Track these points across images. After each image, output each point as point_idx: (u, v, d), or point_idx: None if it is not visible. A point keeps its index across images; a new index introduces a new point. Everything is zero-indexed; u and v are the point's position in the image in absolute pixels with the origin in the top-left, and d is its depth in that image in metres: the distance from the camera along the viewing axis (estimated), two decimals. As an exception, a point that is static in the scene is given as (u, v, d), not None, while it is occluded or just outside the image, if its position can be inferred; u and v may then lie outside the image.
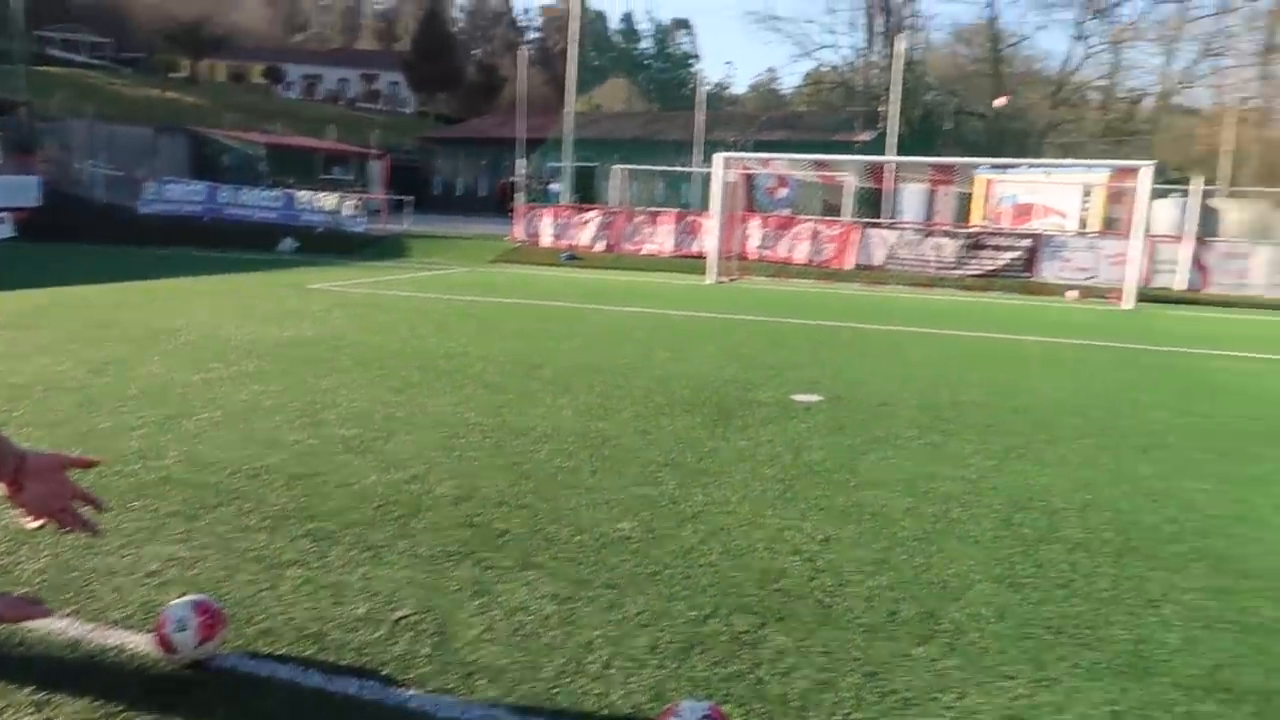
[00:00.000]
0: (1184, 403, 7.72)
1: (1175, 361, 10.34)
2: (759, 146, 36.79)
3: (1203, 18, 43.41)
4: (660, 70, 66.73)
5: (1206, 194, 26.51)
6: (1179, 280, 19.23)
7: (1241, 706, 2.78)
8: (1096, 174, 24.21)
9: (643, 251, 23.04)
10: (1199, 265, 19.32)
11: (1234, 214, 26.82)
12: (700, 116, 34.66)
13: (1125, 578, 3.75)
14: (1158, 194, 25.05)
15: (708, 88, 42.16)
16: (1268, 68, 39.90)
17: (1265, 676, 2.97)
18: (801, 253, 21.70)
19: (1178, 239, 19.96)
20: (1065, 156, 35.42)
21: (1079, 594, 3.57)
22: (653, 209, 25.15)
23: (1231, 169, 33.28)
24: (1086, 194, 24.30)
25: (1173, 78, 44.73)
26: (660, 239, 23.18)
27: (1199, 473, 5.46)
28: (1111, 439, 6.25)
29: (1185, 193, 23.72)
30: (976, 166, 25.57)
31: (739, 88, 67.02)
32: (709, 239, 19.76)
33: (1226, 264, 19.25)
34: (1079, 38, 48.34)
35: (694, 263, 20.56)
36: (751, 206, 24.99)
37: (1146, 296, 17.62)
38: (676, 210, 24.94)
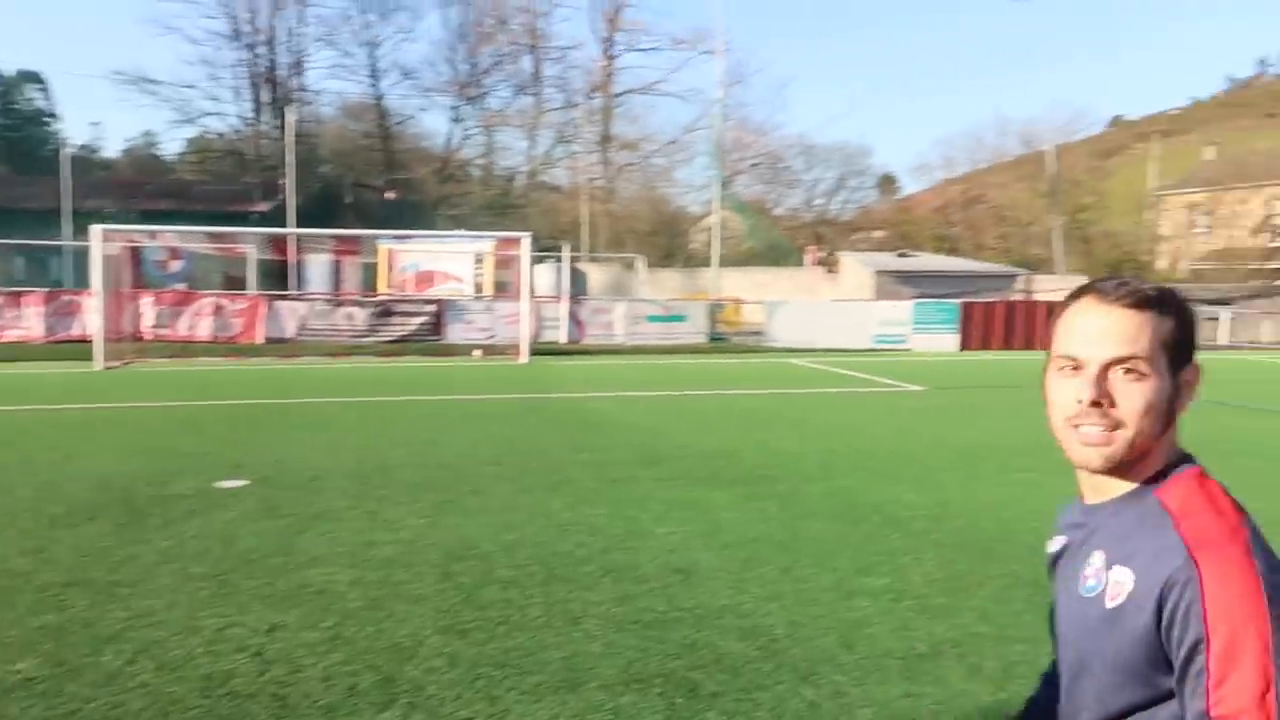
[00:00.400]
0: (578, 440, 8.88)
1: (568, 406, 11.82)
2: (144, 217, 33.63)
3: (554, 109, 50.65)
4: (7, 128, 57.33)
5: (574, 259, 30.79)
6: (561, 334, 21.99)
7: (649, 692, 3.32)
8: (485, 243, 26.59)
9: (4, 339, 19.53)
10: (575, 320, 22.32)
11: (596, 276, 31.41)
12: (66, 183, 30.57)
13: (553, 603, 4.22)
14: (537, 260, 28.50)
15: (71, 150, 37.36)
16: (606, 154, 47.91)
17: (663, 661, 3.58)
18: (205, 329, 20.28)
19: (557, 299, 22.85)
20: (456, 227, 38.36)
21: (517, 626, 3.93)
22: (14, 289, 21.44)
23: (589, 238, 39.16)
24: (479, 261, 26.57)
25: (536, 159, 51.27)
26: (28, 323, 19.87)
27: (597, 499, 6.35)
28: (524, 481, 6.94)
29: (559, 258, 27.26)
30: (378, 237, 26.43)
31: (110, 152, 60.18)
32: (93, 320, 17.47)
33: (596, 318, 22.53)
34: (456, 120, 52.84)
35: (76, 348, 18.00)
36: (142, 282, 22.71)
37: (538, 350, 19.82)
38: (46, 290, 21.58)
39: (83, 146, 57.20)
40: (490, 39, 51.75)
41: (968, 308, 23.48)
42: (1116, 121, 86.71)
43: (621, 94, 49.69)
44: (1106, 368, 1.19)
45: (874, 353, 22.03)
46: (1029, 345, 23.35)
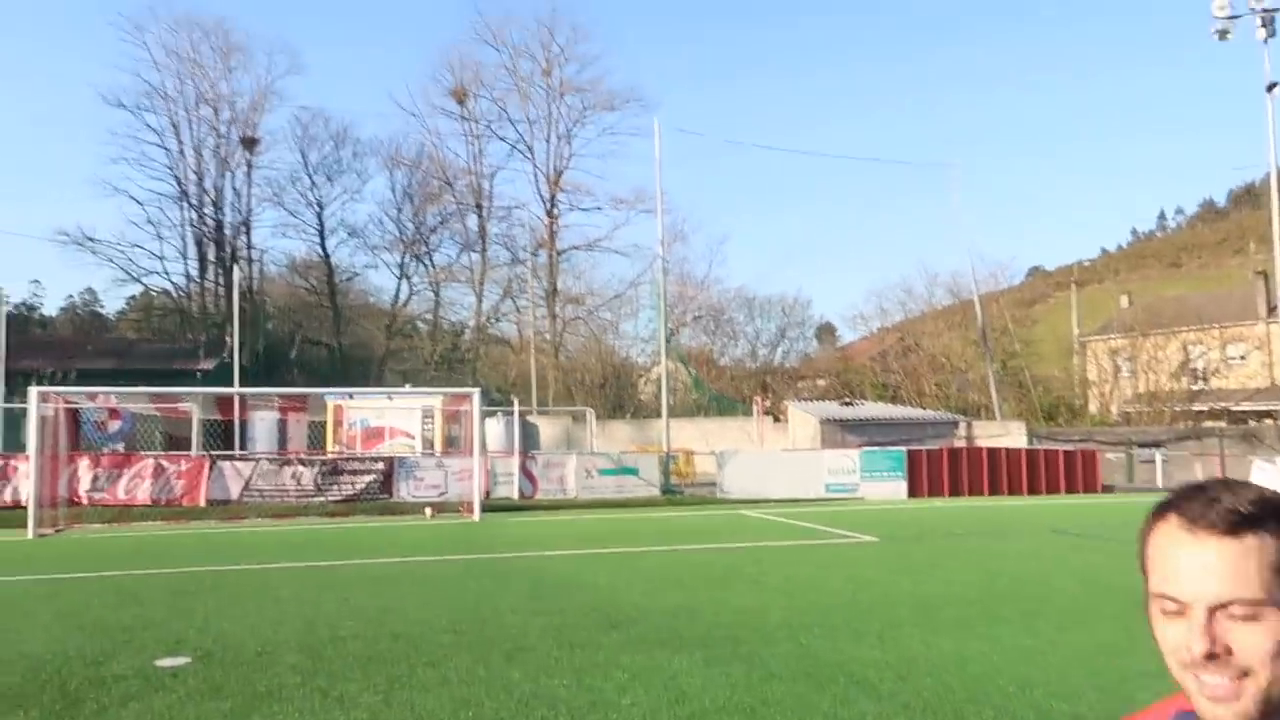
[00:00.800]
0: (536, 602, 8.67)
1: (523, 565, 11.58)
2: (83, 377, 33.03)
3: (500, 265, 51.84)
4: (-59, 286, 56.79)
5: (524, 413, 30.79)
6: (514, 490, 21.75)
7: None
8: (434, 399, 26.54)
9: (-72, 507, 18.68)
10: (527, 474, 22.14)
11: (547, 429, 31.34)
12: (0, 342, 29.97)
13: (519, 787, 4.04)
14: (487, 414, 28.46)
15: (8, 308, 36.90)
16: (553, 308, 48.74)
17: None
18: (145, 491, 19.65)
19: (508, 453, 22.71)
20: (405, 383, 38.27)
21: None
22: (-58, 454, 20.67)
23: (538, 391, 39.32)
24: (428, 416, 26.43)
25: (484, 314, 51.92)
26: (-46, 489, 19.05)
27: (557, 668, 6.16)
28: (482, 649, 6.73)
29: (509, 412, 27.24)
30: (325, 394, 26.27)
31: (50, 309, 59.51)
32: (26, 484, 16.85)
33: (548, 472, 22.37)
34: (403, 277, 53.64)
35: (8, 514, 17.28)
36: (78, 444, 22.10)
37: (491, 506, 19.52)
38: (-23, 454, 20.86)
39: (21, 305, 56.68)
40: (436, 199, 53.31)
41: (914, 455, 23.85)
42: (1035, 272, 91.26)
43: (566, 250, 51.08)
44: (1213, 612, 1.00)
45: (826, 502, 22.12)
46: (975, 491, 23.67)
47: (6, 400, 26.55)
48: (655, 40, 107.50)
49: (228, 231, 51.65)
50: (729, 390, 43.24)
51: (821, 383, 46.38)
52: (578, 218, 52.25)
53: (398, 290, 54.08)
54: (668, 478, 23.72)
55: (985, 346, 37.50)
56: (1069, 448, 26.54)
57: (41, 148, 78.97)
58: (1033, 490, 24.09)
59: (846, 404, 33.95)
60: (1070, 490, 24.32)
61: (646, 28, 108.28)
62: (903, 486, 23.39)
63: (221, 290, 49.80)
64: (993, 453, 24.87)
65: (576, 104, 51.34)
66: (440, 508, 19.62)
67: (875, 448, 24.65)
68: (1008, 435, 31.03)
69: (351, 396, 27.08)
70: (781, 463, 23.91)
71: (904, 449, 24.23)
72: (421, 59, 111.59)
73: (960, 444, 28.76)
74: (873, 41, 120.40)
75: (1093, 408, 42.67)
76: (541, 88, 51.78)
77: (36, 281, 58.52)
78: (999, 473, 24.22)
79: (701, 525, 16.70)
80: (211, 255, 51.25)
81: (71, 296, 61.80)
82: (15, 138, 73.00)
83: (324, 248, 52.90)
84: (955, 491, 23.59)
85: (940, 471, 23.78)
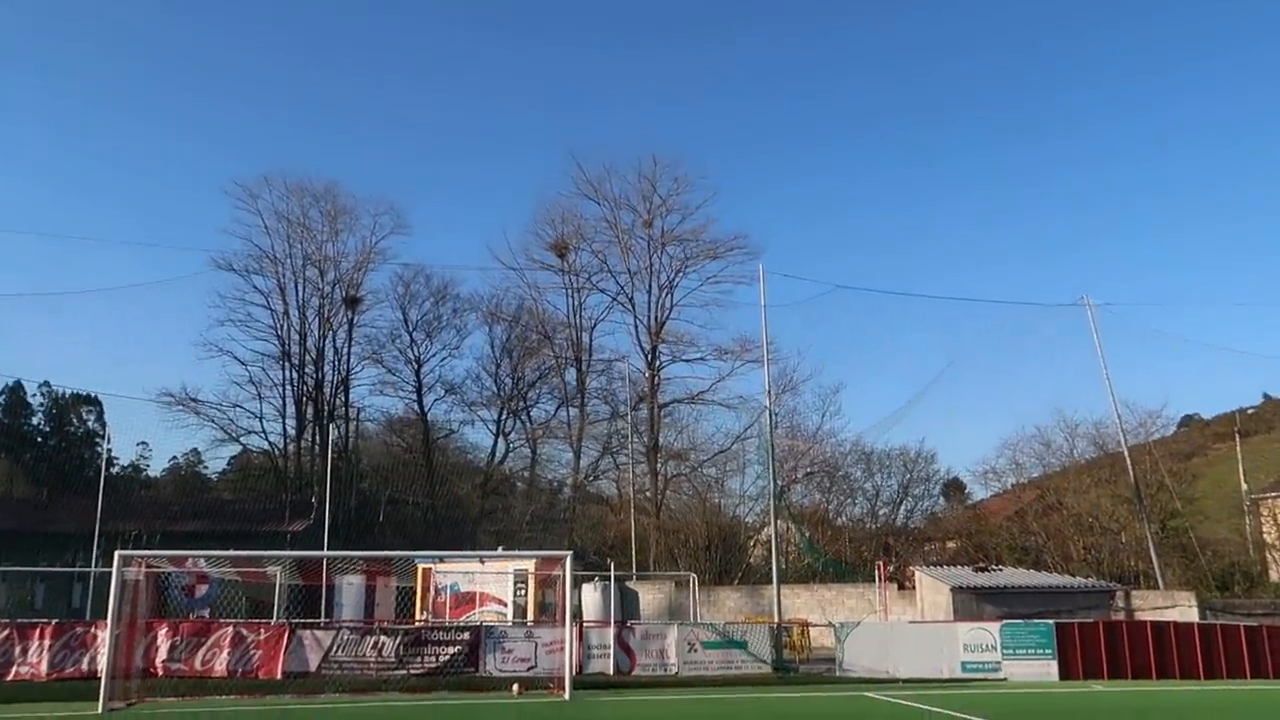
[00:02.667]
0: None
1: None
2: (173, 539, 34.00)
3: (599, 421, 52.10)
4: (56, 449, 60.12)
5: (623, 578, 30.07)
6: (609, 664, 20.86)
7: None
8: (527, 562, 26.16)
9: (9, 677, 18.99)
10: (624, 647, 21.26)
11: (647, 596, 30.43)
12: (100, 503, 31.27)
13: None
14: (583, 579, 27.86)
15: (116, 469, 38.74)
16: (655, 465, 48.38)
17: None
18: (222, 662, 19.59)
19: (604, 624, 21.93)
20: (499, 544, 38.12)
21: None
22: (28, 620, 21.14)
23: (638, 553, 38.57)
24: (520, 582, 25.98)
25: (582, 471, 51.88)
26: (34, 658, 19.38)
27: None
28: None
29: (606, 577, 26.59)
30: (413, 557, 26.17)
31: (155, 469, 62.43)
32: (103, 654, 16.95)
33: (647, 645, 21.46)
34: (500, 434, 54.40)
35: (81, 685, 17.35)
36: (162, 610, 22.39)
37: (583, 683, 18.68)
38: (57, 621, 21.19)
39: (129, 466, 59.61)
40: (535, 353, 54.44)
41: (1065, 629, 22.09)
42: (1190, 421, 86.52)
43: (668, 404, 50.93)
44: None
45: (963, 683, 20.51)
46: (1140, 672, 21.62)
47: (100, 565, 27.33)
48: (761, 184, 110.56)
49: (326, 390, 53.70)
50: (847, 554, 41.52)
51: (951, 545, 44.16)
52: (680, 370, 52.50)
53: (494, 447, 54.81)
54: (780, 652, 22.49)
55: (1140, 505, 35.22)
56: (1251, 623, 24.17)
57: (154, 312, 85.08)
58: (1210, 673, 21.85)
59: (981, 569, 32.06)
60: (1258, 674, 21.97)
61: (752, 173, 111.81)
62: (1053, 666, 21.57)
63: (318, 449, 51.35)
64: (1159, 628, 22.78)
65: (678, 253, 52.28)
66: (528, 684, 18.88)
67: (1018, 620, 22.93)
68: (1175, 607, 28.62)
69: (441, 559, 26.92)
70: (909, 636, 22.42)
71: (1052, 622, 22.47)
72: (522, 213, 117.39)
73: (1118, 616, 26.59)
74: (997, 171, 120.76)
75: (1274, 575, 39.21)
76: (643, 239, 53.06)
77: (143, 444, 61.61)
78: (1168, 651, 22.11)
79: (820, 710, 15.50)
80: (310, 414, 53.18)
81: (176, 458, 64.68)
82: (132, 303, 78.78)
83: (421, 405, 54.31)
84: (1116, 673, 21.60)
85: (1097, 649, 21.89)
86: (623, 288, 52.53)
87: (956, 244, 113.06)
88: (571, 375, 53.52)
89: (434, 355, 54.96)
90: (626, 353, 51.67)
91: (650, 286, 51.98)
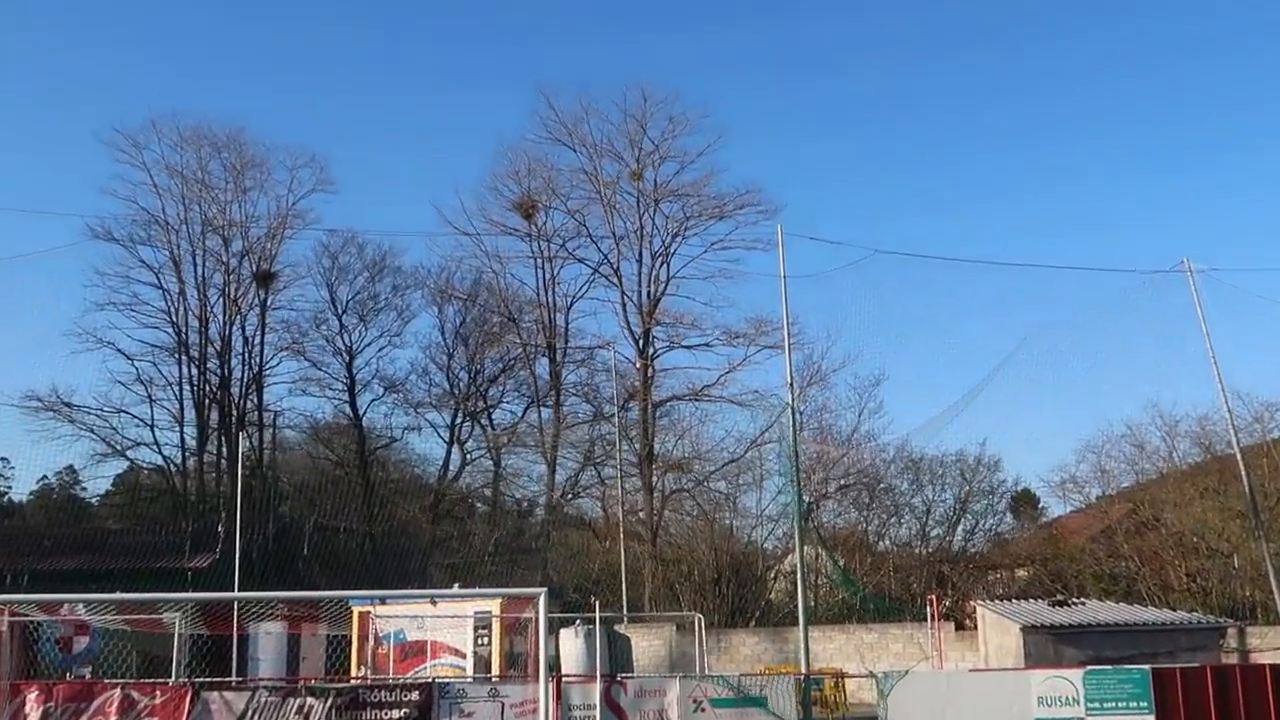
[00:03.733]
0: None
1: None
2: (45, 580, 33.92)
3: (579, 424, 52.01)
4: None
5: (611, 620, 30.06)
6: (595, 729, 20.87)
7: None
8: (491, 602, 26.11)
9: None
10: (613, 707, 21.24)
11: (642, 642, 30.54)
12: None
13: None
14: (560, 622, 27.86)
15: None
16: (650, 479, 48.37)
17: None
18: (107, 734, 19.53)
19: (589, 678, 21.95)
20: (454, 581, 38.12)
21: None
22: None
23: (630, 590, 38.62)
24: (483, 627, 25.97)
25: (558, 488, 51.93)
26: None
27: None
28: None
29: (590, 620, 26.62)
30: (349, 599, 26.16)
31: (19, 493, 61.64)
32: (-45, 726, 16.90)
33: (642, 703, 21.44)
34: (454, 442, 54.41)
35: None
36: (31, 670, 22.34)
37: (562, 754, 18.69)
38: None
39: (-12, 488, 59.20)
40: (496, 341, 54.37)
41: (1164, 676, 22.12)
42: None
43: (665, 402, 51.05)
44: None
45: (1037, 745, 20.60)
46: (1258, 729, 21.73)
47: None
48: (778, 125, 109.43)
49: (234, 390, 53.64)
50: (892, 586, 41.71)
51: (1022, 574, 44.34)
52: (680, 358, 52.38)
53: (447, 459, 54.85)
54: (809, 710, 22.57)
55: (1256, 520, 35.40)
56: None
57: (13, 295, 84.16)
58: (1348, 730, 21.96)
59: (1059, 603, 32.20)
60: None
61: (767, 111, 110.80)
62: (1150, 722, 21.70)
63: (224, 465, 51.25)
64: (1280, 672, 22.91)
65: (676, 212, 52.24)
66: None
67: (1105, 666, 23.06)
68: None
69: (383, 601, 26.91)
70: (970, 688, 22.50)
71: (1148, 668, 22.56)
72: (478, 164, 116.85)
73: (1231, 659, 26.73)
74: (1076, 116, 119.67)
75: None
76: (630, 194, 53.06)
77: (3, 460, 60.83)
78: (1294, 703, 22.24)
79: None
80: (214, 420, 53.05)
81: (46, 477, 63.68)
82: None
83: (354, 407, 54.38)
84: (1229, 730, 21.71)
85: (1205, 700, 21.94)
86: (606, 256, 52.64)
87: (1025, 205, 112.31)
88: (544, 367, 53.68)
89: (370, 344, 55.08)
90: (612, 338, 51.68)
91: (641, 254, 52.08)
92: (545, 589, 19.07)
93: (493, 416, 55.50)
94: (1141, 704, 21.93)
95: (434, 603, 25.47)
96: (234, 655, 26.92)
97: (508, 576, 44.12)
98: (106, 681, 21.27)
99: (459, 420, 54.75)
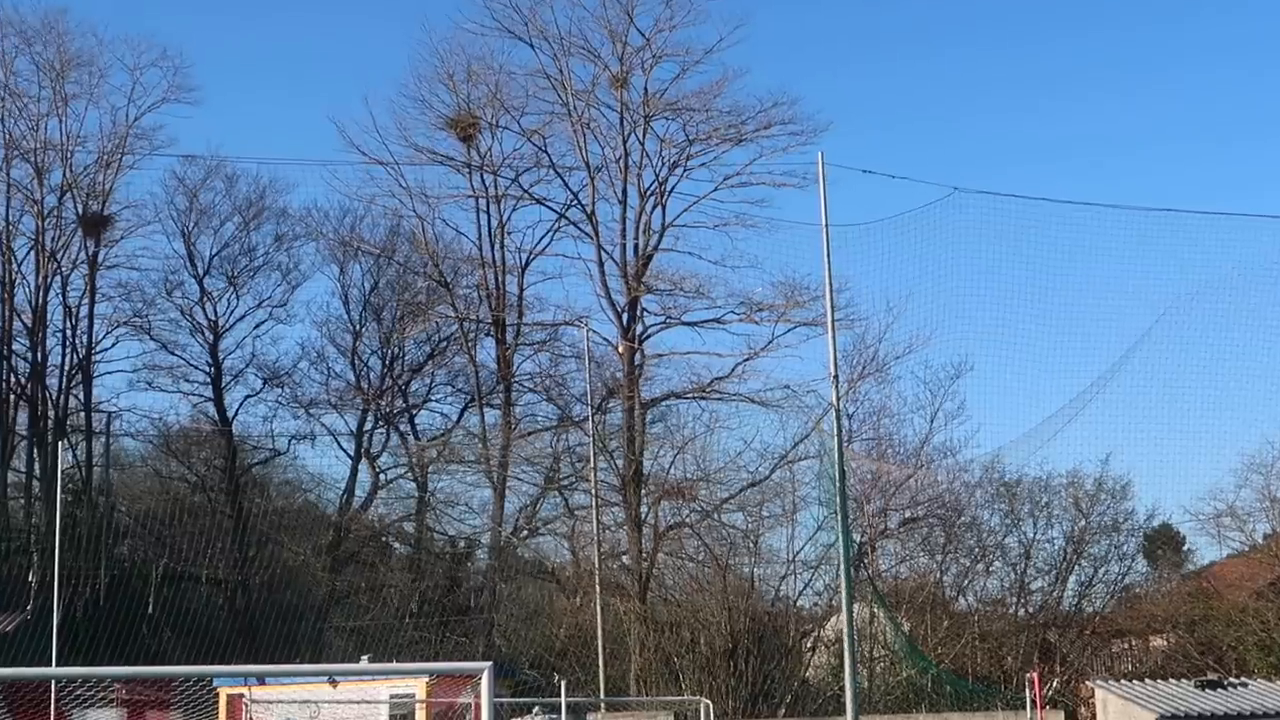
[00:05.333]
0: None
1: None
2: None
3: (537, 431, 51.74)
4: None
5: (582, 706, 30.00)
6: None
7: None
8: (412, 681, 26.08)
9: None
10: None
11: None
12: None
13: None
14: (513, 709, 27.81)
15: None
16: (636, 508, 48.13)
17: None
18: None
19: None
20: (361, 651, 38.02)
21: None
22: None
23: (610, 664, 38.54)
24: (403, 716, 25.99)
25: (508, 522, 51.45)
26: None
27: None
28: None
29: (553, 708, 26.62)
30: (213, 676, 26.09)
31: None
32: None
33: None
34: (362, 456, 54.14)
35: None
36: None
37: None
38: None
39: None
40: (422, 314, 53.91)
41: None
42: None
43: (660, 401, 50.70)
44: None
45: None
46: None
47: None
48: (818, 14, 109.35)
49: (51, 382, 53.17)
50: (976, 660, 41.72)
51: (1159, 643, 44.46)
52: (680, 338, 52.00)
53: (352, 481, 54.63)
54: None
55: None
56: None
57: None
58: None
59: (1211, 683, 32.32)
60: None
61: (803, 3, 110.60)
62: None
63: (37, 488, 50.94)
64: None
65: (675, 134, 51.66)
66: None
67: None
68: None
69: (262, 680, 26.86)
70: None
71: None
72: (397, 66, 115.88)
73: None
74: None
75: None
76: (611, 108, 52.43)
77: None
78: None
79: None
80: (22, 424, 52.64)
81: None
82: None
83: (220, 407, 54.06)
84: None
85: None
86: (577, 196, 51.98)
87: (1160, 151, 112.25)
88: (489, 351, 53.27)
89: (243, 318, 54.68)
90: (585, 311, 51.28)
91: (625, 193, 51.30)
92: (490, 663, 19.01)
93: (416, 421, 55.35)
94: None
95: (334, 682, 25.45)
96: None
97: (437, 646, 44.07)
98: None
99: (369, 426, 54.58)
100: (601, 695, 35.83)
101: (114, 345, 54.52)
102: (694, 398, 50.30)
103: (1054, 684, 35.69)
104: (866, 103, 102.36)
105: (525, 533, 53.16)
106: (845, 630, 28.99)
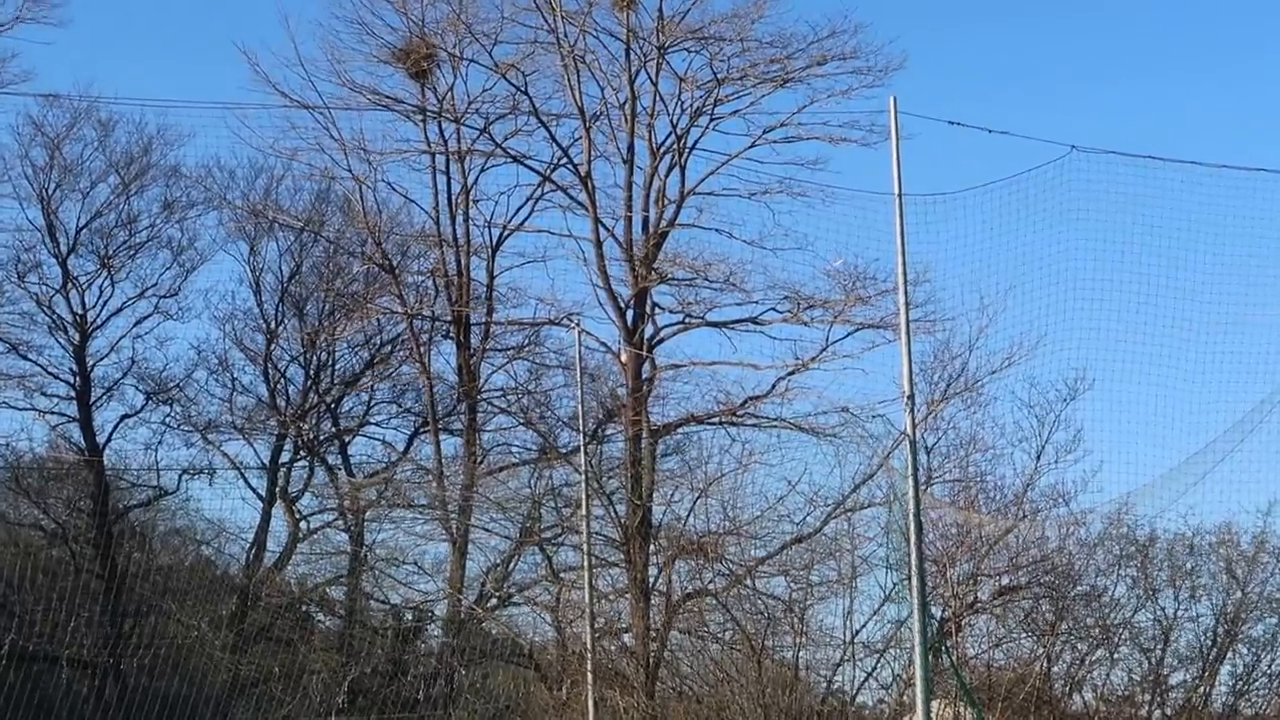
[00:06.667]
0: None
1: None
2: None
3: (514, 466, 51.94)
4: None
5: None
6: None
7: None
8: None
9: None
10: None
11: None
12: None
13: None
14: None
15: None
16: (644, 568, 48.31)
17: None
18: None
19: None
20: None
21: None
22: None
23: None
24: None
25: (472, 587, 51.79)
26: None
27: None
28: None
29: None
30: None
31: None
32: None
33: None
34: (279, 499, 54.39)
35: None
36: None
37: None
38: None
39: None
40: (359, 308, 53.98)
41: None
42: None
43: (676, 427, 50.84)
44: None
45: None
46: None
47: None
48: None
49: None
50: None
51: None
52: (702, 345, 52.22)
53: (262, 530, 54.71)
54: None
55: None
56: None
57: None
58: None
59: None
60: None
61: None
62: None
63: None
64: None
65: (699, 70, 51.80)
66: None
67: None
68: None
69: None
70: None
71: None
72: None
73: None
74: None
75: None
76: (615, 37, 52.54)
77: None
78: None
79: None
80: None
81: None
82: None
83: (88, 429, 54.15)
84: None
85: None
86: (566, 153, 52.10)
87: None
88: (446, 358, 53.50)
89: (120, 311, 54.76)
90: (576, 306, 51.34)
91: (632, 149, 51.48)
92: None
93: (349, 452, 55.54)
94: None
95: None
96: None
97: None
98: None
99: (286, 457, 54.74)
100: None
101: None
102: (721, 423, 50.28)
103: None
104: (950, 35, 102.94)
105: (494, 602, 53.19)
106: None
